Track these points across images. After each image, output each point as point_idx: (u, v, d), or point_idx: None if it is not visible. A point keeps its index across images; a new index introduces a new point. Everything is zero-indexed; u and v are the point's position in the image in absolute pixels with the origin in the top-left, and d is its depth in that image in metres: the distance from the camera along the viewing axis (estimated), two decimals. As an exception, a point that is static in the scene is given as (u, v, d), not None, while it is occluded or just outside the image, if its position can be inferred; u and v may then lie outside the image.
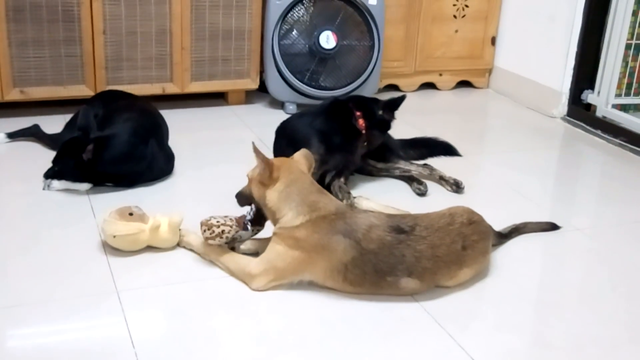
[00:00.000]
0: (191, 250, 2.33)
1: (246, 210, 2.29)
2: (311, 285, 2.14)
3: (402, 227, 2.13)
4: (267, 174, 2.14)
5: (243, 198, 2.30)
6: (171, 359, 1.85)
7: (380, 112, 2.87)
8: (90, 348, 1.87)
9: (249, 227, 2.26)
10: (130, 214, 2.29)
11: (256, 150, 2.15)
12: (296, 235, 2.09)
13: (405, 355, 1.91)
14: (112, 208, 2.34)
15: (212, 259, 2.26)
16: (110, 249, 2.32)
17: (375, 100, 2.96)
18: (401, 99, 2.89)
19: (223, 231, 2.22)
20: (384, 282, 2.10)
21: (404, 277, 2.10)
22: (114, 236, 2.27)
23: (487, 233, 2.29)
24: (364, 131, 2.83)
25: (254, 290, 2.13)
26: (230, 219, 2.25)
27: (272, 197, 2.15)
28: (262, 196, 2.18)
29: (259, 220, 2.27)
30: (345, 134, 2.82)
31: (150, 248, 2.33)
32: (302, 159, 2.26)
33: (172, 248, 2.35)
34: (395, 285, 2.11)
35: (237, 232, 2.23)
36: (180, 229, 2.35)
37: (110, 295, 2.10)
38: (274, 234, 2.16)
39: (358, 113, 2.84)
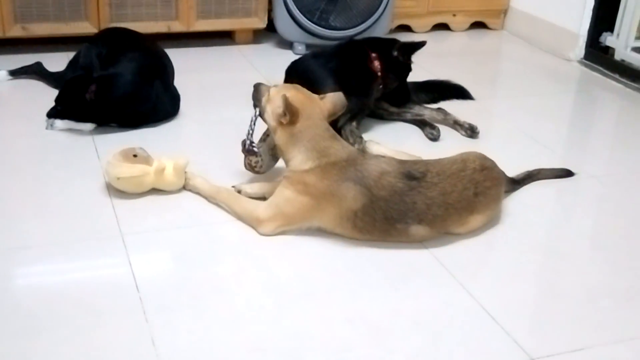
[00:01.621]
0: (197, 193, 2.28)
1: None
2: (319, 232, 2.10)
3: (413, 173, 2.07)
4: (287, 119, 2.07)
5: (256, 97, 2.22)
6: (176, 304, 1.81)
7: (396, 54, 2.77)
8: (94, 291, 1.84)
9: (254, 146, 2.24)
10: (135, 156, 2.24)
11: (285, 98, 2.05)
12: (305, 180, 2.04)
13: (414, 304, 1.87)
14: (117, 150, 2.29)
15: (219, 203, 2.22)
16: (115, 191, 2.27)
17: (393, 41, 2.86)
18: (420, 44, 2.79)
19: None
20: (393, 229, 2.06)
21: (414, 225, 2.05)
22: (118, 178, 2.22)
23: (499, 179, 2.23)
24: (379, 73, 2.74)
25: (261, 234, 2.09)
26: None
27: (282, 136, 2.10)
28: (273, 128, 2.13)
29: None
30: (360, 76, 2.74)
31: (155, 191, 2.28)
32: (330, 103, 2.16)
33: (178, 191, 2.30)
34: (404, 232, 2.07)
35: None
36: (185, 172, 2.29)
37: (114, 238, 2.06)
38: (284, 177, 2.11)
39: (374, 55, 2.74)
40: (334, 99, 2.18)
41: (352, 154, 2.12)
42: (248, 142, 2.24)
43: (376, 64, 2.74)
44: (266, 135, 2.28)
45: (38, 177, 2.39)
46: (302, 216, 2.07)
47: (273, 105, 2.12)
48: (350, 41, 2.86)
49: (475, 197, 2.12)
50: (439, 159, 2.18)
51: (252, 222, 2.11)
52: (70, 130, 2.70)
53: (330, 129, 2.14)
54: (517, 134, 2.94)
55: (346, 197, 2.03)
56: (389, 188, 2.03)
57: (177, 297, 1.84)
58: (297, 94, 2.12)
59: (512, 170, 2.42)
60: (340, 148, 2.10)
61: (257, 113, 2.21)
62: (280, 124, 2.09)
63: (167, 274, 1.97)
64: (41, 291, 1.85)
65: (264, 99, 2.18)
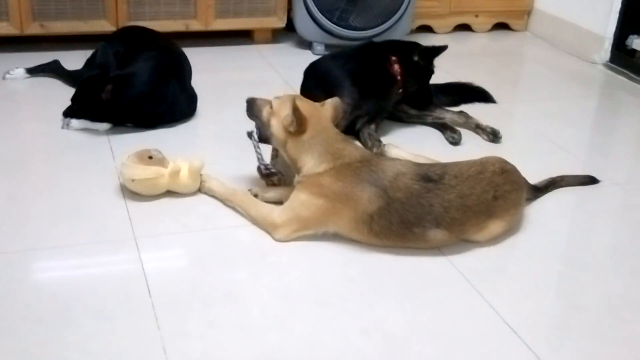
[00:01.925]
0: (213, 196, 2.25)
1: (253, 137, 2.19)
2: (334, 238, 2.06)
3: (430, 175, 2.03)
4: (295, 127, 2.03)
5: (254, 113, 2.17)
6: (188, 310, 1.78)
7: (417, 59, 2.72)
8: (106, 296, 1.81)
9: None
10: (150, 157, 2.21)
11: (294, 104, 2.01)
12: (320, 182, 2.01)
13: (432, 314, 1.83)
14: (132, 151, 2.26)
15: (235, 206, 2.19)
16: (129, 193, 2.24)
17: (414, 45, 2.80)
18: (442, 49, 2.74)
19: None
20: (410, 233, 2.01)
21: (431, 229, 2.00)
22: (132, 180, 2.20)
23: (520, 184, 2.18)
24: (399, 77, 2.70)
25: (277, 240, 2.05)
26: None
27: (293, 146, 2.06)
28: (282, 141, 2.09)
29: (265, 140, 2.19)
30: (379, 79, 2.69)
31: (170, 193, 2.25)
32: (331, 108, 2.14)
33: (193, 194, 2.26)
34: (422, 237, 2.02)
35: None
36: (201, 175, 2.26)
37: (127, 241, 2.04)
38: (298, 182, 2.07)
39: (394, 58, 2.70)
40: (334, 104, 2.15)
41: (366, 155, 2.09)
42: (263, 166, 2.21)
43: (396, 67, 2.69)
44: (276, 151, 2.23)
45: (52, 177, 2.38)
46: (317, 219, 2.03)
47: (280, 116, 2.08)
48: (370, 43, 2.82)
49: (495, 201, 2.06)
50: (457, 162, 2.14)
51: (267, 227, 2.08)
52: (86, 129, 2.67)
53: (340, 133, 2.11)
54: (540, 138, 2.88)
55: (361, 199, 1.99)
56: (405, 190, 1.99)
57: (190, 303, 1.81)
58: (302, 102, 2.08)
59: (534, 176, 2.36)
60: (354, 149, 2.07)
61: (256, 133, 2.17)
62: (290, 134, 2.05)
63: (179, 279, 1.93)
64: (53, 294, 1.82)
65: (264, 113, 2.14)
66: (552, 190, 2.42)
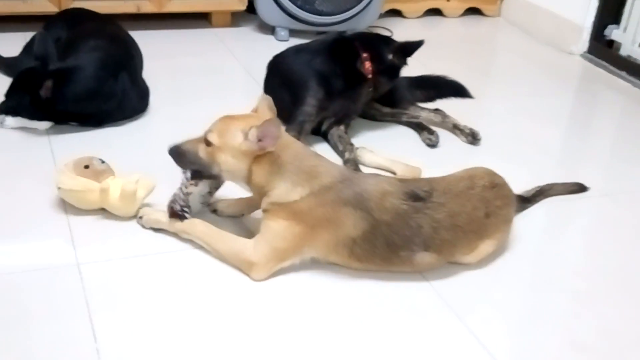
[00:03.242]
0: (161, 230, 1.92)
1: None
2: (309, 263, 1.83)
3: (418, 193, 1.82)
4: (272, 142, 1.71)
5: (189, 161, 1.82)
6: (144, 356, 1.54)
7: (391, 57, 2.48)
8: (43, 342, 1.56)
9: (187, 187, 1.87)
10: (86, 167, 1.93)
11: (270, 125, 1.71)
12: (296, 210, 1.75)
13: (414, 349, 1.63)
14: (75, 156, 1.99)
15: (194, 239, 1.88)
16: (71, 205, 1.98)
17: (387, 40, 2.57)
18: (417, 45, 2.48)
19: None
20: (396, 257, 1.81)
21: (419, 252, 1.80)
22: (59, 188, 1.94)
23: (510, 198, 1.99)
24: (370, 76, 2.46)
25: (255, 280, 1.78)
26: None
27: (260, 171, 1.76)
28: (243, 172, 1.77)
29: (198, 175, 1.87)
30: (348, 78, 2.44)
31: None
32: (268, 110, 1.85)
33: (128, 218, 1.96)
34: (409, 260, 1.82)
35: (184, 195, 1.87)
36: (144, 208, 1.94)
37: (68, 269, 1.77)
38: (265, 211, 1.81)
39: (365, 55, 2.45)
40: (267, 104, 1.86)
41: (344, 171, 1.87)
42: (180, 206, 1.86)
43: (367, 65, 2.45)
44: (193, 183, 1.88)
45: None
46: (295, 248, 1.78)
47: (234, 144, 1.75)
48: (339, 37, 2.56)
49: (487, 219, 1.87)
50: (444, 177, 1.93)
51: (242, 266, 1.80)
52: (23, 128, 2.38)
53: (306, 146, 1.87)
54: (520, 140, 2.69)
55: (345, 224, 1.77)
56: (392, 211, 1.77)
57: (143, 346, 1.56)
58: (249, 118, 1.79)
59: (518, 183, 2.14)
60: (330, 166, 1.83)
61: (189, 176, 1.85)
62: (256, 159, 1.75)
63: (128, 315, 1.66)
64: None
65: (202, 154, 1.80)
66: (540, 200, 2.24)
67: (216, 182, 1.90)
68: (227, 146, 1.76)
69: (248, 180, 1.79)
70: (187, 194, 1.87)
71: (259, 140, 1.72)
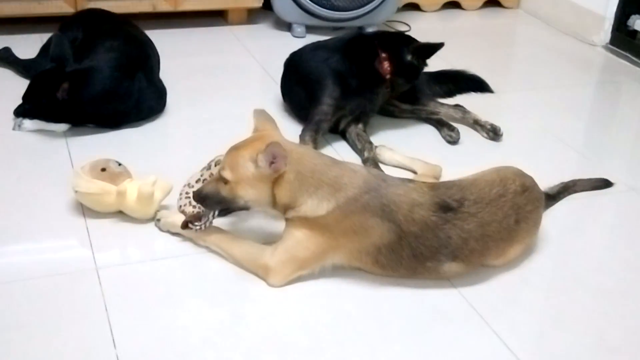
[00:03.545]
0: (177, 234, 1.89)
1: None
2: (327, 268, 1.79)
3: (449, 203, 1.75)
4: (280, 165, 1.67)
5: (215, 202, 1.76)
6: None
7: (410, 57, 2.42)
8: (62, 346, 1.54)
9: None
10: (103, 170, 1.92)
11: (273, 147, 1.65)
12: (321, 224, 1.71)
13: (443, 357, 1.59)
14: (92, 158, 1.97)
15: (210, 245, 1.84)
16: (90, 209, 1.96)
17: (407, 39, 2.50)
18: (437, 46, 2.42)
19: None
20: (422, 267, 1.76)
21: (447, 262, 1.75)
22: (76, 191, 1.93)
23: (540, 200, 1.93)
24: (388, 77, 2.41)
25: (271, 286, 1.74)
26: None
27: (283, 192, 1.70)
28: (268, 198, 1.72)
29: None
30: (365, 78, 2.40)
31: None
32: (267, 123, 1.80)
33: (145, 221, 1.93)
34: (435, 270, 1.77)
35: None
36: (161, 211, 1.92)
37: (88, 273, 1.75)
38: (289, 220, 1.75)
39: (384, 55, 2.40)
40: (264, 117, 1.81)
41: (370, 179, 1.76)
42: (203, 225, 1.82)
43: (385, 65, 2.40)
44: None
45: (1, 187, 2.07)
46: (318, 257, 1.74)
47: (248, 175, 1.68)
48: (358, 35, 2.52)
49: (517, 225, 1.82)
50: (475, 180, 1.84)
51: (258, 271, 1.76)
52: (40, 131, 2.36)
53: (322, 153, 1.82)
54: (543, 134, 2.64)
55: (371, 235, 1.72)
56: (421, 223, 1.72)
57: (161, 353, 1.54)
58: (255, 143, 1.72)
59: (542, 179, 2.07)
60: (352, 173, 1.75)
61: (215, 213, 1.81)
62: (275, 182, 1.69)
63: (146, 321, 1.64)
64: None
65: (224, 192, 1.73)
66: (565, 197, 2.19)
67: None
68: (243, 179, 1.70)
69: (274, 205, 1.74)
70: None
71: (271, 163, 1.67)
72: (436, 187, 1.82)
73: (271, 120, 1.82)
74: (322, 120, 2.36)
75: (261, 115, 1.82)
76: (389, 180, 1.79)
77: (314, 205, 1.70)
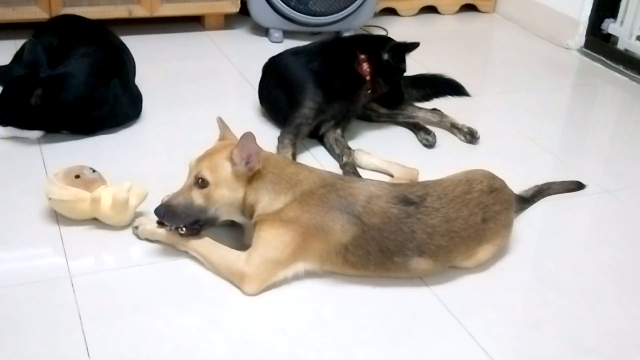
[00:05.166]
0: (157, 241, 1.87)
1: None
2: (301, 275, 1.79)
3: (409, 197, 1.79)
4: (252, 168, 1.74)
5: (184, 214, 1.75)
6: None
7: (387, 57, 2.44)
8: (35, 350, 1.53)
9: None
10: (77, 177, 1.90)
11: (247, 140, 1.71)
12: (283, 218, 1.73)
13: (416, 356, 1.59)
14: (66, 165, 1.96)
15: (188, 250, 1.84)
16: (63, 216, 1.94)
17: (384, 40, 2.53)
18: (412, 46, 2.45)
19: None
20: (390, 263, 1.77)
21: (414, 257, 1.76)
22: (49, 198, 1.91)
23: (510, 202, 1.95)
24: (368, 78, 2.42)
25: (248, 294, 1.73)
26: None
27: (252, 191, 1.76)
28: (239, 200, 1.76)
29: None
30: (346, 80, 2.41)
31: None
32: (230, 132, 1.88)
33: (120, 228, 1.92)
34: (404, 266, 1.78)
35: None
36: (139, 219, 1.91)
37: (61, 281, 1.74)
38: (255, 222, 1.77)
39: (362, 56, 2.41)
40: (227, 126, 1.88)
41: (327, 177, 1.81)
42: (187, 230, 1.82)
43: (365, 66, 2.42)
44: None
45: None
46: (288, 258, 1.74)
47: (227, 174, 1.73)
48: (336, 38, 2.53)
49: (484, 224, 1.83)
50: (439, 180, 1.89)
51: (234, 278, 1.75)
52: (14, 138, 2.34)
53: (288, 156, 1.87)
54: (519, 137, 2.66)
55: (333, 229, 1.74)
56: (381, 214, 1.74)
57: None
58: (226, 146, 1.78)
59: (517, 182, 2.12)
60: (308, 172, 1.81)
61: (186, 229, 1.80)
62: (248, 183, 1.75)
63: (121, 328, 1.62)
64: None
65: (197, 200, 1.75)
66: (539, 199, 2.21)
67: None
68: (222, 179, 1.74)
69: (243, 208, 1.78)
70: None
71: (247, 162, 1.72)
72: (397, 185, 1.87)
73: (231, 130, 1.87)
74: (302, 124, 2.36)
75: (224, 124, 1.87)
76: (346, 178, 1.84)
77: (271, 200, 1.74)
